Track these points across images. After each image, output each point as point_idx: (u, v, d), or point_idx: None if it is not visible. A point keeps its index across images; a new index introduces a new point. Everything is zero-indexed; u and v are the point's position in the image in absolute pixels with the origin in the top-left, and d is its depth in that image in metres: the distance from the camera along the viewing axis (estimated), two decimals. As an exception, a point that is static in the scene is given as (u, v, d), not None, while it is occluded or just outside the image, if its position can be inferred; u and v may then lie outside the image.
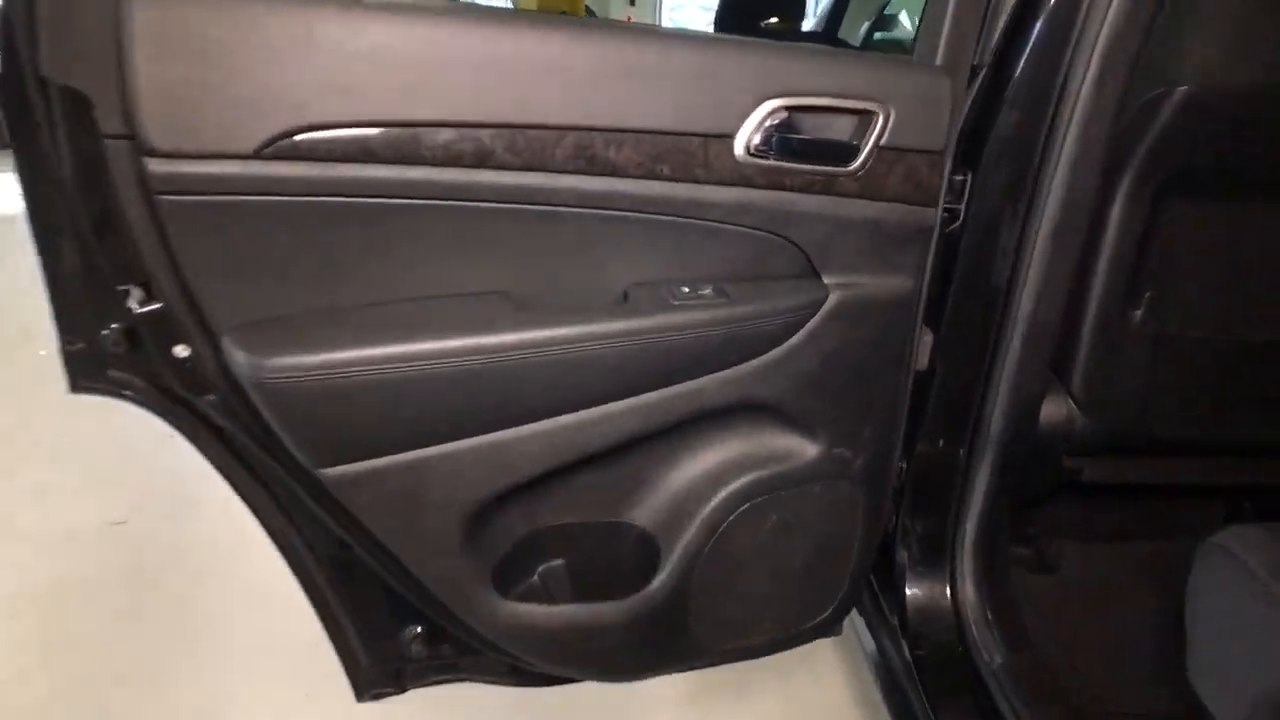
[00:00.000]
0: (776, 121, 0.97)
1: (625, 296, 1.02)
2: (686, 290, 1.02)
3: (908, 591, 1.41)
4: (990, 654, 1.34)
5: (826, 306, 1.07)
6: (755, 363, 1.06)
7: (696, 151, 0.96)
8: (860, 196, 1.02)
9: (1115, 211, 1.27)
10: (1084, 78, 1.09)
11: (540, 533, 1.14)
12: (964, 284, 1.31)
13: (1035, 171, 1.16)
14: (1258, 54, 1.15)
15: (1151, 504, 1.71)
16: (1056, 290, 1.24)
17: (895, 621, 1.44)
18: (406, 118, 0.86)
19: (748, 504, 1.16)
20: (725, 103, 0.95)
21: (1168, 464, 1.51)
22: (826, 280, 1.08)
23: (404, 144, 0.86)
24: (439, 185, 0.89)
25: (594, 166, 0.93)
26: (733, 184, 0.99)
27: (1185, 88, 1.16)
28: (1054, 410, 1.43)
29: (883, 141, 1.00)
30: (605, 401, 1.01)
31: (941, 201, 1.06)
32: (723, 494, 1.15)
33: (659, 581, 1.16)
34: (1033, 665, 1.33)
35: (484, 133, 0.89)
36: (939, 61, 1.04)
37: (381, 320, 0.92)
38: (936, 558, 1.44)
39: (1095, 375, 1.38)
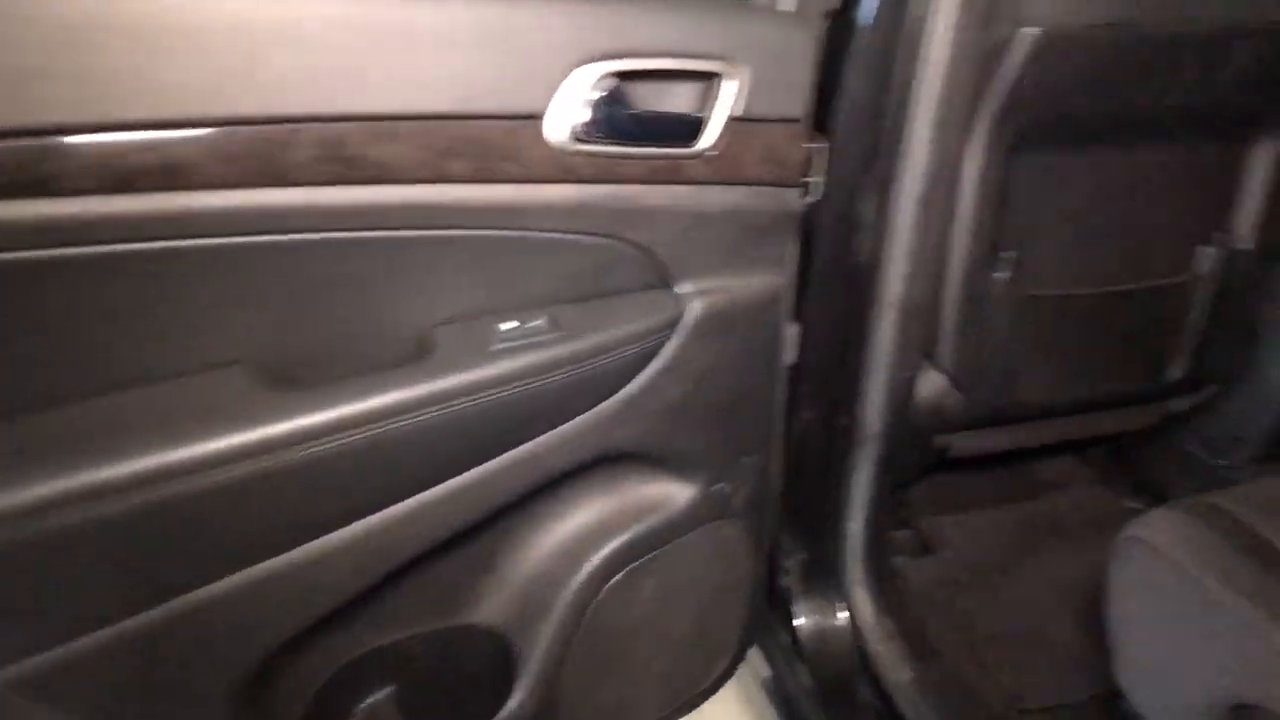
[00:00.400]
0: (601, 93, 0.73)
1: (426, 347, 0.75)
2: (510, 326, 0.76)
3: (798, 620, 1.25)
4: (894, 670, 1.21)
5: (685, 322, 0.85)
6: (607, 405, 0.83)
7: (498, 140, 0.70)
8: (713, 182, 0.80)
9: (970, 170, 1.14)
10: (942, 23, 0.93)
11: (357, 661, 0.85)
12: (826, 268, 1.14)
13: (895, 134, 1.00)
14: None
15: (1014, 466, 1.66)
16: (925, 265, 1.10)
17: (790, 644, 1.27)
18: (26, 123, 0.54)
19: (618, 575, 0.93)
20: (529, 72, 0.70)
21: (1030, 428, 1.44)
22: (682, 289, 0.85)
23: (26, 163, 0.54)
24: (105, 224, 0.58)
25: (353, 172, 0.65)
26: (552, 180, 0.74)
27: (1035, 30, 1.04)
28: (925, 389, 1.31)
29: (737, 111, 0.78)
30: (416, 493, 0.74)
31: (806, 179, 0.87)
32: (586, 570, 0.91)
33: (519, 697, 0.90)
34: (940, 675, 1.21)
35: (172, 136, 0.58)
36: (790, 7, 0.84)
37: (41, 438, 0.60)
38: (823, 571, 1.29)
39: (964, 348, 1.27)
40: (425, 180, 0.68)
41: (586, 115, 0.73)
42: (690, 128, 0.77)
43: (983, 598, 1.39)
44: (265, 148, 0.61)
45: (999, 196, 1.18)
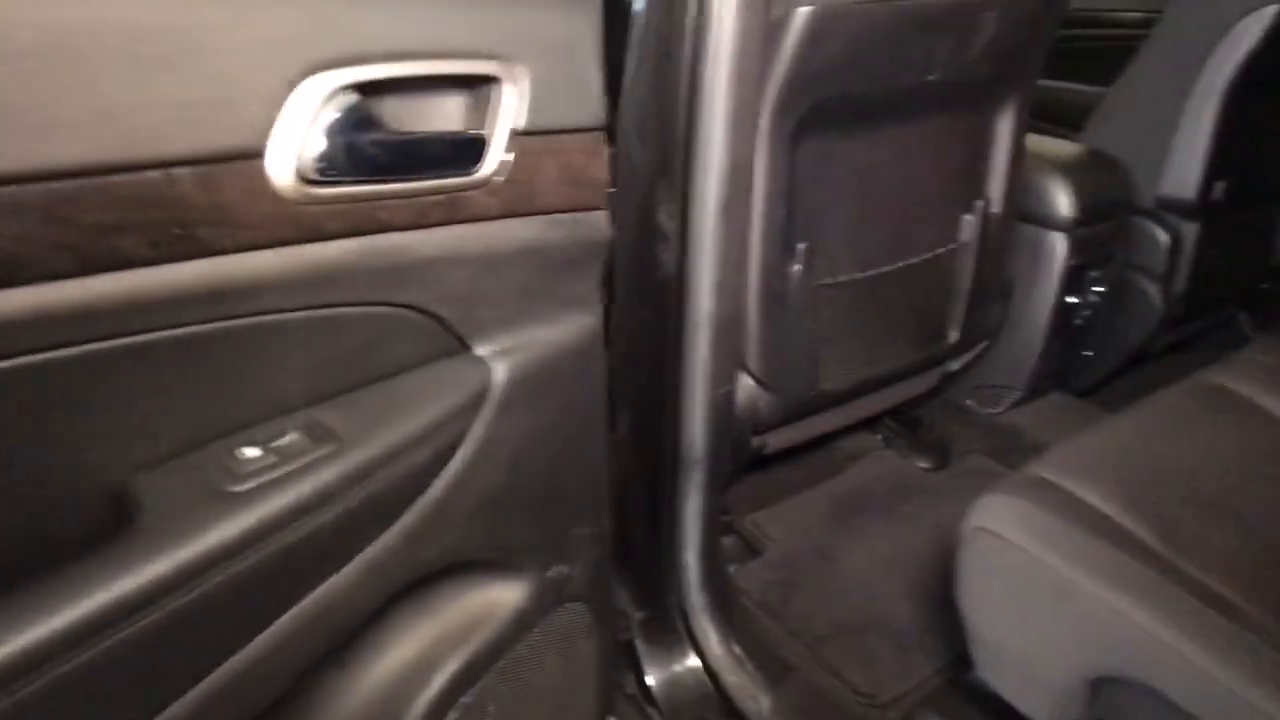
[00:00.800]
0: (338, 114, 0.52)
1: (129, 506, 0.50)
2: (254, 454, 0.54)
3: (648, 676, 1.12)
4: (750, 700, 1.13)
5: (491, 394, 0.67)
6: (406, 521, 0.63)
7: (192, 197, 0.48)
8: (503, 216, 0.63)
9: (760, 164, 1.06)
10: (723, 6, 0.82)
11: None
12: (629, 289, 1.01)
13: (688, 134, 0.88)
14: None
15: (814, 449, 1.65)
16: (732, 273, 1.00)
17: (641, 699, 1.15)
18: None
19: (458, 704, 0.74)
20: (232, 91, 0.48)
21: (835, 412, 1.43)
22: (480, 351, 0.67)
23: None
24: None
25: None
26: (284, 240, 0.52)
27: (809, 8, 0.97)
28: (739, 395, 1.23)
29: (521, 124, 0.61)
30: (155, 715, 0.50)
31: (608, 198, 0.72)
32: (421, 709, 0.71)
33: None
34: (795, 692, 1.14)
35: None
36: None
37: None
38: (662, 613, 1.17)
39: (770, 348, 1.20)
40: (78, 273, 0.44)
41: (321, 146, 0.52)
42: (466, 150, 0.59)
43: (815, 592, 1.35)
44: None
45: (788, 189, 1.12)
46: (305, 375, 0.58)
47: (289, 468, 0.53)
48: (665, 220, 0.95)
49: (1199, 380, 1.10)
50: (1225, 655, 0.71)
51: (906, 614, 1.29)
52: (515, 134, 0.60)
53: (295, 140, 0.50)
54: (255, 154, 0.50)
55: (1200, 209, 1.54)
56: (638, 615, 1.16)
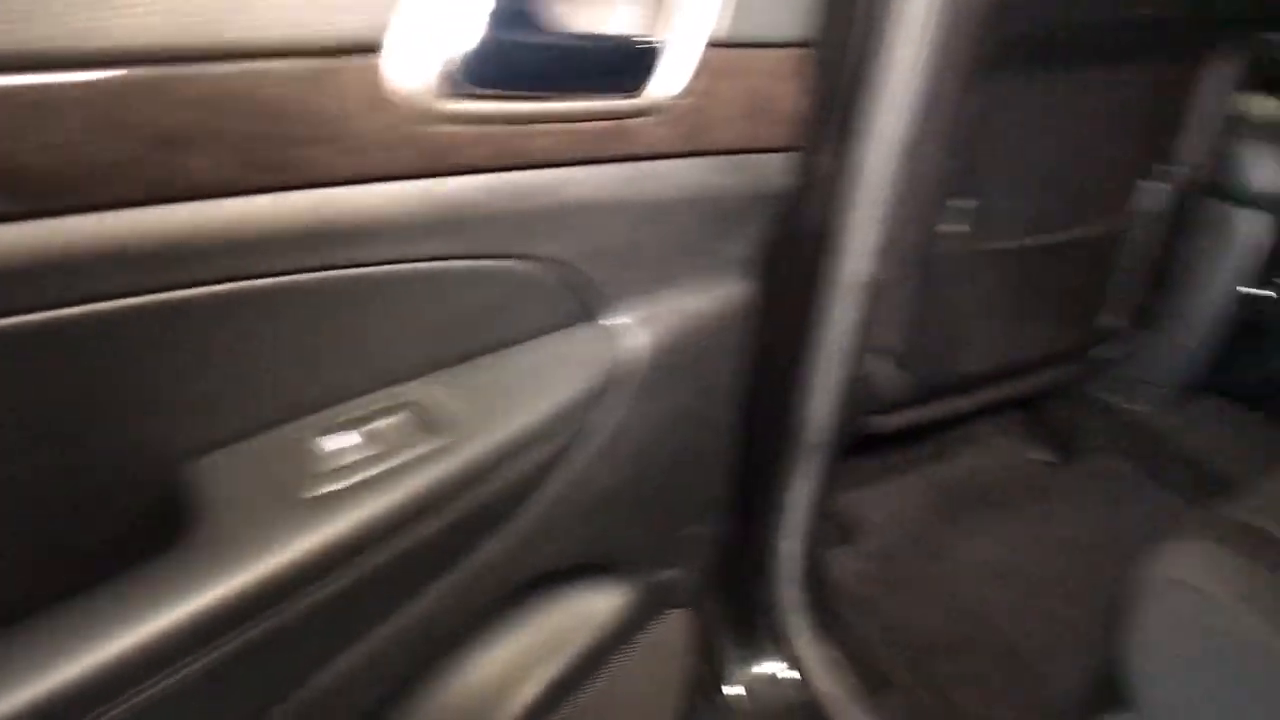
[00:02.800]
0: (490, 10, 0.38)
1: (188, 511, 0.39)
2: (347, 439, 0.42)
3: (734, 681, 1.01)
4: (849, 715, 1.01)
5: (623, 373, 0.53)
6: (516, 525, 0.51)
7: (284, 102, 0.34)
8: (677, 154, 0.48)
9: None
10: None
11: None
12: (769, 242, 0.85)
13: (872, 55, 0.70)
14: None
15: (926, 429, 1.49)
16: (896, 231, 0.84)
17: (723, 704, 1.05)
18: None
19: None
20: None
21: (964, 397, 1.26)
22: (616, 320, 0.54)
23: None
24: None
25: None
26: (402, 171, 0.39)
27: None
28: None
29: (719, 32, 0.45)
30: None
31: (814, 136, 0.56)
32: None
33: None
34: (902, 714, 1.03)
35: None
36: None
37: None
38: (755, 609, 1.06)
39: (913, 320, 1.04)
40: (133, 201, 0.31)
41: (456, 45, 0.38)
42: (637, 63, 0.43)
43: (918, 593, 1.22)
44: None
45: (967, 135, 0.94)
46: (411, 345, 0.45)
47: (388, 465, 0.41)
48: (824, 162, 0.78)
49: None
50: None
51: (1025, 636, 1.15)
52: (708, 45, 0.45)
53: (422, 35, 0.36)
54: (368, 48, 0.36)
55: None
56: (728, 610, 1.04)
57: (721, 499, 0.73)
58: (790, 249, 0.85)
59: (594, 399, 0.52)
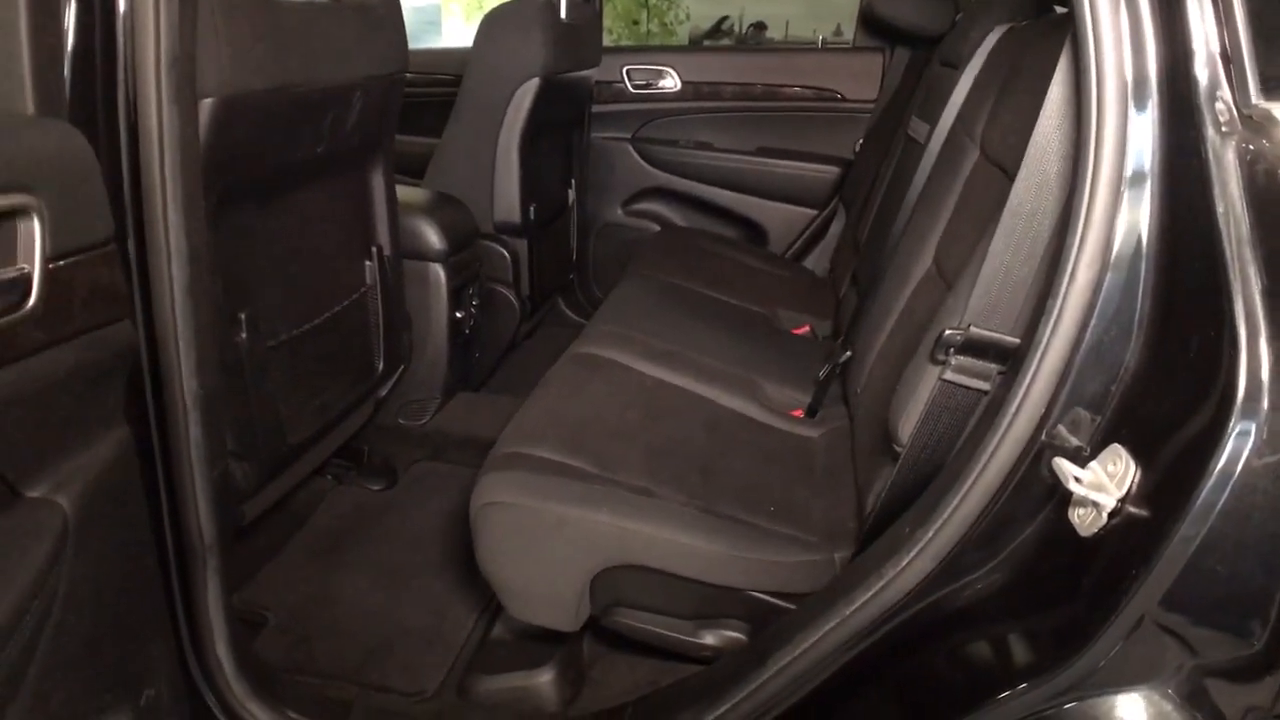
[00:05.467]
0: None
1: None
2: None
3: None
4: None
5: (63, 535, 0.63)
6: None
7: None
8: (49, 344, 0.60)
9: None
10: (150, 99, 0.85)
11: None
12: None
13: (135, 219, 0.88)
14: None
15: (275, 510, 1.66)
16: (211, 349, 1.02)
17: None
18: None
19: None
20: None
21: (302, 463, 1.48)
22: (35, 493, 0.62)
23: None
24: None
25: None
26: None
27: (211, 99, 1.04)
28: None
29: (52, 250, 0.59)
30: None
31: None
32: None
33: None
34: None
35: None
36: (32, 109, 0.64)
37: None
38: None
39: (238, 416, 1.22)
40: None
41: None
42: (10, 289, 0.55)
43: (333, 631, 1.42)
44: None
45: (219, 262, 1.16)
46: None
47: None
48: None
49: (574, 354, 1.51)
50: (660, 520, 1.08)
51: (420, 609, 1.46)
52: (47, 262, 0.59)
53: None
54: None
55: (524, 229, 2.03)
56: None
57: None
58: (137, 384, 0.95)
59: (47, 563, 0.60)
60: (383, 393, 1.73)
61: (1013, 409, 0.70)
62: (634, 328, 1.62)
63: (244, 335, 1.22)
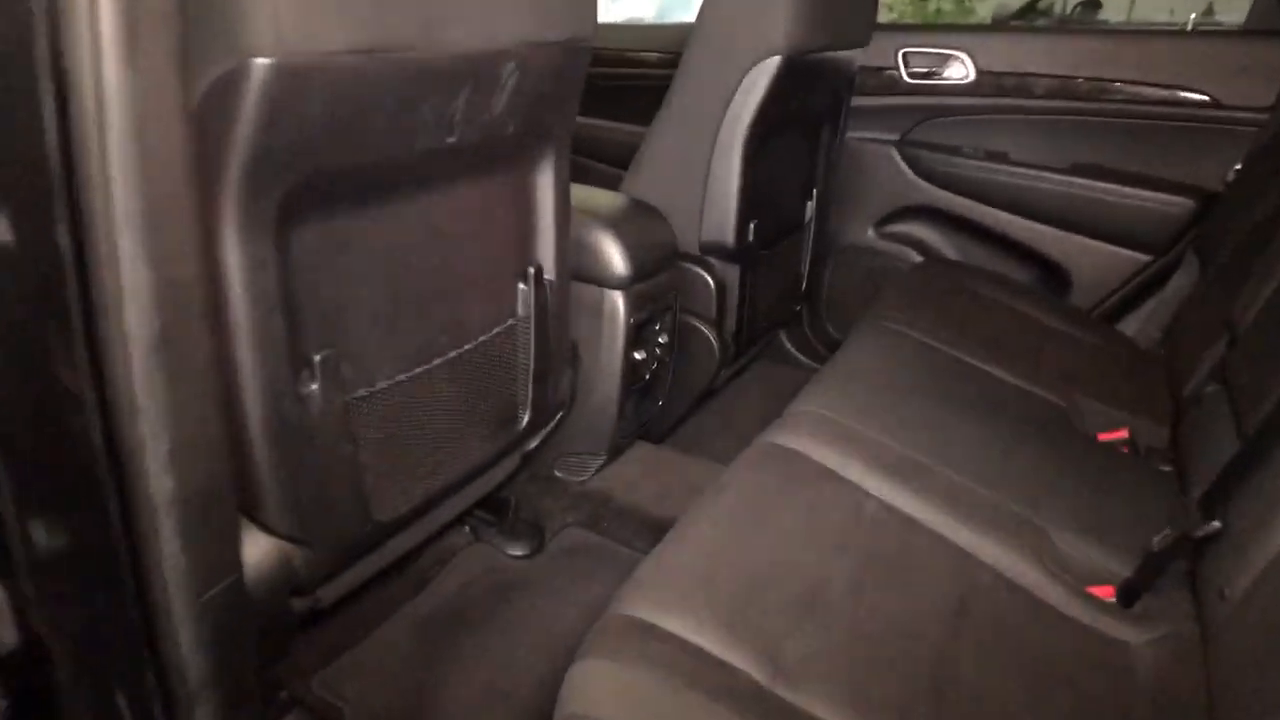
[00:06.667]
0: None
1: None
2: None
3: None
4: None
5: None
6: None
7: None
8: None
9: (235, 262, 0.77)
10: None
11: None
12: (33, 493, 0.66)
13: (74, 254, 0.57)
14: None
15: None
16: (200, 429, 0.72)
17: None
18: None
19: None
20: None
21: (402, 536, 1.18)
22: None
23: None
24: None
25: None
26: None
27: (267, 60, 0.70)
28: (256, 563, 0.91)
29: None
30: None
31: None
32: None
33: None
34: None
35: None
36: None
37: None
38: None
39: (294, 492, 0.91)
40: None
41: None
42: None
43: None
44: None
45: (286, 290, 0.84)
46: None
47: None
48: (67, 378, 0.61)
49: (767, 444, 1.07)
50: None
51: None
52: None
53: None
54: None
55: (738, 252, 1.59)
56: None
57: None
58: (60, 486, 0.66)
59: None
60: (532, 445, 1.39)
61: None
62: (862, 411, 1.15)
63: (315, 386, 0.90)
